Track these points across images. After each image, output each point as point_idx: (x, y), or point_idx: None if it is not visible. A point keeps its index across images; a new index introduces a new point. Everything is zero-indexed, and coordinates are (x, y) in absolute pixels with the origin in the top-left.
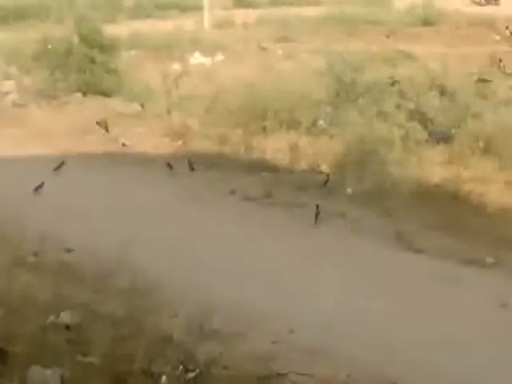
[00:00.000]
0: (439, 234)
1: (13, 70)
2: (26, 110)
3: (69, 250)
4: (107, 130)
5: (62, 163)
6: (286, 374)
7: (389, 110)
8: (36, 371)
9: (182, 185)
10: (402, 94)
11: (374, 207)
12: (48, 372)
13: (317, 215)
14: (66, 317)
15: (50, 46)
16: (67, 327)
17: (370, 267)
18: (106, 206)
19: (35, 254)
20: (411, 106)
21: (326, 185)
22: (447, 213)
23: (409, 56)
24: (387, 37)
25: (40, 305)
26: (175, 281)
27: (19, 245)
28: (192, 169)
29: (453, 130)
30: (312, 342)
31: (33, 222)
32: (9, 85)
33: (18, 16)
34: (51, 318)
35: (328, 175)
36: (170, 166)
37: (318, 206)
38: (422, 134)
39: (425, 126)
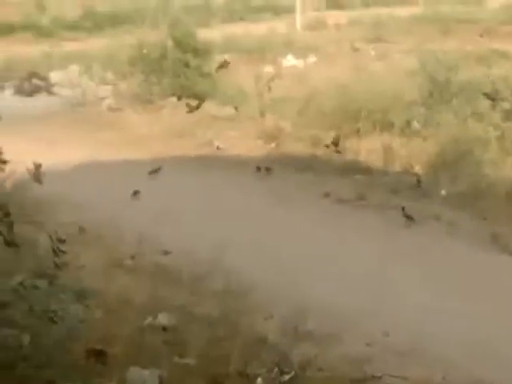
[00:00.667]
0: None
1: (109, 75)
2: (122, 115)
3: (165, 253)
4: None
5: (159, 168)
6: (380, 377)
7: (484, 110)
8: (134, 372)
9: (274, 187)
10: (497, 94)
11: (469, 209)
12: (146, 373)
13: (407, 217)
14: (163, 318)
15: (144, 51)
16: (164, 329)
17: (465, 269)
18: (200, 210)
19: (132, 257)
20: (507, 105)
21: (418, 187)
22: None
23: (504, 55)
24: (481, 36)
25: (137, 306)
26: (269, 282)
27: (117, 247)
28: (268, 170)
29: None
30: (406, 343)
31: (130, 225)
32: (105, 90)
33: (114, 22)
34: (148, 320)
35: (419, 177)
36: (258, 168)
37: (403, 208)
38: None
39: None
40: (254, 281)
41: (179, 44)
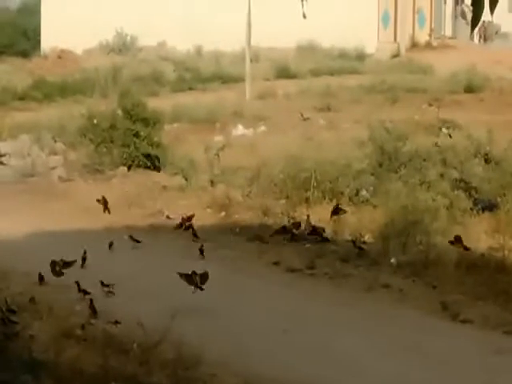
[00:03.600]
0: (486, 304)
1: (59, 145)
2: (72, 185)
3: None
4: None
5: (111, 244)
6: None
7: (432, 179)
8: None
9: (224, 255)
10: (445, 163)
11: (419, 278)
12: None
13: None
14: None
15: (94, 121)
16: None
17: (417, 338)
18: (149, 278)
19: (83, 326)
20: (455, 174)
21: (360, 256)
22: (494, 283)
23: (452, 124)
24: (430, 105)
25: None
26: (220, 352)
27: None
28: (196, 237)
29: (498, 199)
30: None
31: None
32: (55, 160)
33: (64, 92)
34: None
35: (360, 245)
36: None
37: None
38: (467, 203)
39: (469, 195)
40: (205, 351)
41: (129, 114)
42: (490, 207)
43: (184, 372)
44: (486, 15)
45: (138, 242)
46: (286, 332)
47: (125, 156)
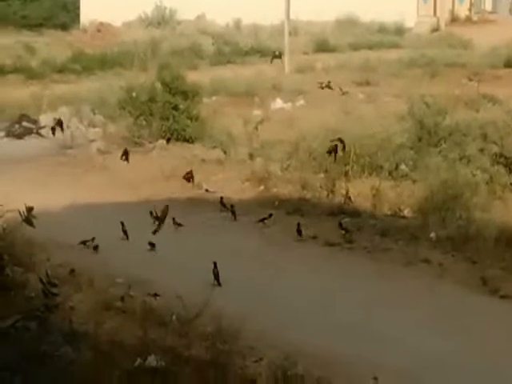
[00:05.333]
0: None
1: (98, 117)
2: (111, 157)
3: (155, 295)
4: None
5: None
6: None
7: (472, 154)
8: None
9: (264, 230)
10: (485, 138)
11: (459, 252)
12: None
13: None
14: (152, 361)
15: (134, 94)
16: (154, 371)
17: (457, 313)
18: (193, 251)
19: (122, 299)
20: (495, 149)
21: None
22: None
23: (492, 99)
24: (470, 79)
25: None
26: (260, 325)
27: (107, 289)
28: (234, 216)
29: None
30: None
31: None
32: (95, 132)
33: (103, 65)
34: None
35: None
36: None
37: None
38: (507, 178)
39: (509, 170)
40: (245, 323)
41: (168, 87)
42: None
43: (223, 345)
44: None
45: (179, 225)
46: (325, 307)
47: (164, 129)
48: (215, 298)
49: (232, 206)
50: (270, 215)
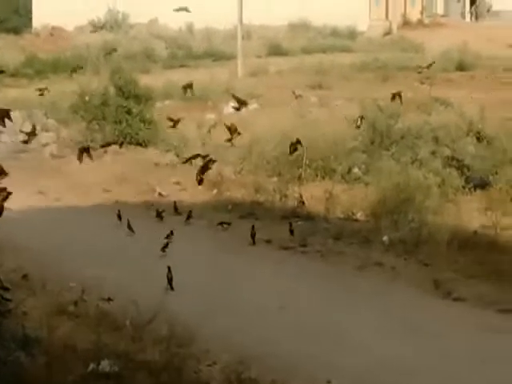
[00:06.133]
0: (478, 282)
1: (51, 121)
2: (64, 162)
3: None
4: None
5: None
6: None
7: (424, 157)
8: None
9: (218, 234)
10: (437, 141)
11: (411, 255)
12: None
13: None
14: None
15: (87, 98)
16: (107, 376)
17: (410, 316)
18: (144, 254)
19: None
20: (447, 152)
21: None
22: (486, 261)
23: (444, 102)
24: (422, 83)
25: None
26: (215, 329)
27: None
28: (160, 218)
29: (490, 177)
30: None
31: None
32: (47, 136)
33: (56, 69)
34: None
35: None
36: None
37: None
38: (459, 181)
39: (461, 173)
40: (199, 327)
41: (121, 91)
42: (482, 185)
43: (177, 349)
44: None
45: (132, 230)
46: (280, 309)
47: (117, 133)
48: (169, 302)
49: (190, 212)
50: (229, 224)
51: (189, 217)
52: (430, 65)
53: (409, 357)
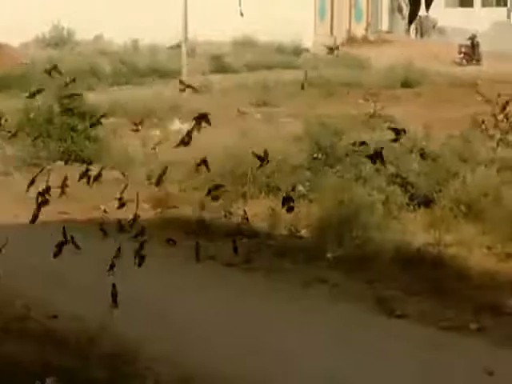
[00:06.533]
0: (422, 299)
1: None
2: (9, 179)
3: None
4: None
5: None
6: None
7: (368, 174)
8: None
9: (162, 251)
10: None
11: (355, 272)
12: None
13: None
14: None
15: (31, 115)
16: None
17: (353, 333)
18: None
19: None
20: (391, 169)
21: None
22: (430, 278)
23: (388, 119)
24: (366, 100)
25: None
26: (159, 346)
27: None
28: (105, 234)
29: (434, 194)
30: None
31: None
32: None
33: (3, 87)
34: None
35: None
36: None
37: None
38: (403, 198)
39: (405, 190)
40: (142, 345)
41: (65, 108)
42: (426, 202)
43: (122, 366)
44: (422, 10)
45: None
46: (222, 328)
47: (62, 150)
48: (115, 319)
49: (143, 228)
50: (174, 241)
51: (138, 235)
52: None
53: (349, 374)
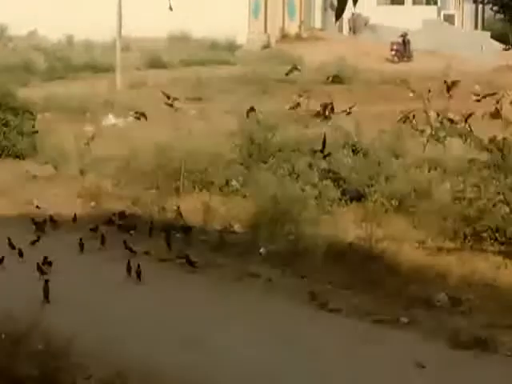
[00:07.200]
0: (353, 293)
1: None
2: None
3: None
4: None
5: None
6: None
7: (301, 170)
8: None
9: (94, 247)
10: (314, 154)
11: (288, 267)
12: None
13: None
14: None
15: None
16: None
17: (285, 327)
18: (19, 266)
19: None
20: (324, 165)
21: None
22: (361, 272)
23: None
24: (299, 96)
25: None
26: (91, 342)
27: None
28: (39, 230)
29: (366, 189)
30: None
31: None
32: None
33: None
34: None
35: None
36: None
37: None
38: (335, 193)
39: (338, 185)
40: (74, 339)
41: None
42: (358, 197)
43: (53, 362)
44: (357, 8)
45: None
46: (156, 322)
47: None
48: (45, 315)
49: (54, 221)
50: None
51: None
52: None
53: (283, 366)
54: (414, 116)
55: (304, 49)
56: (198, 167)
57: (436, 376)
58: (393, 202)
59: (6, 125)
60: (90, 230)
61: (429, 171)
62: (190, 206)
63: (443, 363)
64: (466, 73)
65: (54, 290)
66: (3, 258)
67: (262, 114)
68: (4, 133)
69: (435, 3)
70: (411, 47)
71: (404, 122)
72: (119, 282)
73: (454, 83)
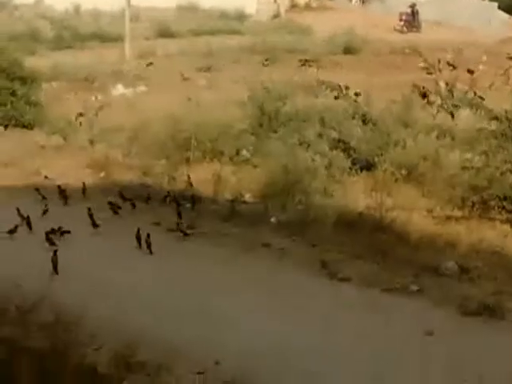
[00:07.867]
0: (364, 262)
1: None
2: None
3: None
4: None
5: None
6: None
7: (311, 139)
8: None
9: (103, 217)
10: (324, 123)
11: (299, 236)
12: None
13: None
14: None
15: None
16: None
17: (296, 296)
18: (29, 237)
19: None
20: (334, 134)
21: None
22: (371, 241)
23: (330, 85)
24: (309, 66)
25: None
26: (101, 313)
27: None
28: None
29: (375, 158)
30: (237, 372)
31: None
32: None
33: None
34: None
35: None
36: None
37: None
38: (345, 163)
39: (348, 155)
40: (85, 312)
41: (5, 72)
42: (368, 167)
43: (63, 333)
44: None
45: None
46: (166, 293)
47: (1, 115)
48: (55, 286)
49: (63, 191)
50: (119, 207)
51: (65, 197)
52: None
53: (293, 336)
54: (423, 86)
55: (313, 19)
56: (208, 137)
57: (446, 342)
58: (402, 171)
59: (13, 94)
60: (109, 203)
61: (437, 140)
62: (201, 176)
63: (453, 330)
64: (474, 44)
65: (63, 261)
66: (16, 226)
67: (272, 83)
68: (12, 102)
69: None
70: (420, 18)
71: (414, 91)
72: (129, 253)
73: (462, 53)
